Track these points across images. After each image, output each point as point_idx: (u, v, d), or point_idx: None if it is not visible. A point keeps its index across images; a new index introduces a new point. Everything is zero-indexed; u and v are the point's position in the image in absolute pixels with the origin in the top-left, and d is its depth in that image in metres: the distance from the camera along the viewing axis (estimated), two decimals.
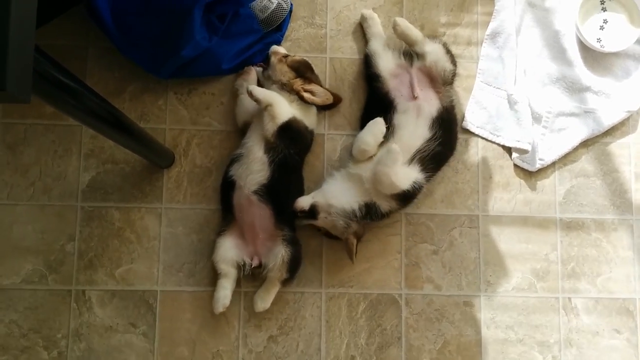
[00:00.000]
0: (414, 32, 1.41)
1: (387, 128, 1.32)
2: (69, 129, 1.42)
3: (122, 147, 1.28)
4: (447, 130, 1.37)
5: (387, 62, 1.41)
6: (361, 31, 1.51)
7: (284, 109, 1.31)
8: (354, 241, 1.32)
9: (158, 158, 1.38)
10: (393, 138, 1.32)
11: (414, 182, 1.29)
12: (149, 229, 1.40)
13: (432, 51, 1.39)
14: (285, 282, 1.35)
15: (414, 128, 1.33)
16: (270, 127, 1.30)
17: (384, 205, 1.31)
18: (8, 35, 0.64)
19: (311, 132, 1.40)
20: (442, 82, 1.39)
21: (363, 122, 1.39)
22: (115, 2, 1.26)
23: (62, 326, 1.36)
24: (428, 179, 1.34)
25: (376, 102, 1.41)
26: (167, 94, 1.45)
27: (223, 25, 1.34)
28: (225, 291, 1.32)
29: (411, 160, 1.31)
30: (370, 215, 1.31)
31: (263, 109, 1.30)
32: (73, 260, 1.38)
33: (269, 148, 1.32)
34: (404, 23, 1.41)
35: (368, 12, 1.48)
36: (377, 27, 1.47)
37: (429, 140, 1.33)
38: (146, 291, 1.38)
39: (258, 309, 1.34)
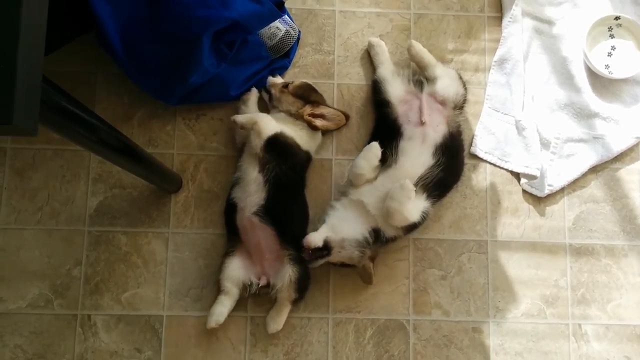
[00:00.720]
0: (428, 55, 1.43)
1: (391, 154, 1.31)
2: (77, 153, 1.43)
3: (130, 173, 1.29)
4: (452, 157, 1.36)
5: (396, 89, 1.41)
6: (368, 58, 1.52)
7: (270, 124, 1.32)
8: (371, 265, 1.31)
9: (166, 183, 1.39)
10: (396, 164, 1.32)
11: (423, 212, 1.29)
12: (156, 254, 1.40)
13: (445, 74, 1.41)
14: (295, 302, 1.34)
15: (418, 154, 1.32)
16: (258, 143, 1.30)
17: (389, 231, 1.31)
18: (16, 68, 0.64)
19: (306, 153, 1.39)
20: (452, 106, 1.39)
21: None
22: (125, 29, 1.28)
23: (67, 351, 1.35)
24: (433, 204, 1.34)
25: (384, 128, 1.41)
26: (175, 119, 1.46)
27: (231, 52, 1.35)
28: (222, 308, 1.31)
29: (415, 187, 1.28)
30: (378, 240, 1.31)
31: (250, 129, 1.31)
32: (79, 285, 1.38)
33: (262, 166, 1.32)
34: (418, 46, 1.43)
35: (375, 40, 1.49)
36: (385, 55, 1.47)
37: (432, 167, 1.32)
38: (152, 316, 1.37)
39: (270, 331, 1.34)
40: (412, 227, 1.32)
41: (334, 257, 1.31)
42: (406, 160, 1.32)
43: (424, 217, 1.31)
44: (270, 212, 1.31)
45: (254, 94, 1.44)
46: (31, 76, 0.68)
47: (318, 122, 1.38)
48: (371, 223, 1.30)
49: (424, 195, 1.31)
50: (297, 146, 1.36)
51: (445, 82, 1.39)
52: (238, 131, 1.42)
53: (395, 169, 1.31)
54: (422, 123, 1.35)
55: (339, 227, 1.30)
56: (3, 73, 0.63)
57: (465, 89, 1.45)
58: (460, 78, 1.44)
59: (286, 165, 1.33)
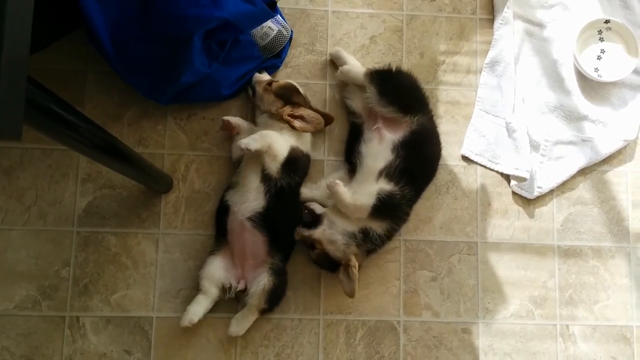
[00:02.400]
0: (356, 70, 1.42)
1: (357, 158, 1.35)
2: (66, 153, 1.41)
3: (120, 174, 1.27)
4: (415, 149, 1.33)
5: (360, 100, 1.41)
6: (361, 59, 1.51)
7: (282, 144, 1.31)
8: (356, 264, 1.28)
9: (156, 183, 1.37)
10: (361, 165, 1.34)
11: (379, 193, 1.28)
12: (146, 255, 1.39)
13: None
14: (263, 312, 1.32)
15: (377, 153, 1.33)
16: (274, 166, 1.30)
17: (376, 227, 1.31)
18: (0, 71, 0.62)
19: (307, 156, 1.40)
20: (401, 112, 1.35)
21: (345, 153, 1.43)
22: (115, 28, 1.26)
23: (55, 353, 1.33)
24: (404, 188, 1.31)
25: (353, 133, 1.42)
26: (166, 119, 1.45)
27: (223, 52, 1.34)
28: (198, 307, 1.29)
29: (377, 178, 1.31)
30: (370, 239, 1.31)
31: (264, 152, 1.29)
32: (67, 286, 1.36)
33: (266, 178, 1.31)
34: (345, 69, 1.43)
35: (336, 50, 1.47)
36: (352, 63, 1.45)
37: (392, 160, 1.31)
38: (141, 317, 1.36)
39: (231, 333, 1.31)
40: (385, 213, 1.30)
41: (319, 233, 1.30)
42: (368, 159, 1.34)
43: (390, 197, 1.29)
44: (265, 219, 1.30)
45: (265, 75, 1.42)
46: (16, 79, 0.66)
47: (297, 124, 1.36)
48: (359, 224, 1.31)
49: (385, 181, 1.30)
50: (303, 154, 1.36)
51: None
52: (235, 148, 1.39)
53: (360, 168, 1.34)
54: (377, 129, 1.36)
55: (335, 214, 1.32)
56: None
57: (393, 104, 1.36)
58: (385, 96, 1.35)
59: (296, 177, 1.33)
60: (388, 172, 1.31)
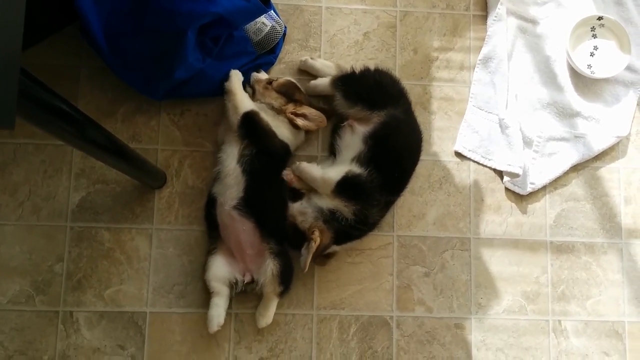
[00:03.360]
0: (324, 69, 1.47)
1: (337, 149, 1.40)
2: (60, 148, 1.41)
3: (113, 168, 1.27)
4: (386, 139, 1.35)
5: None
6: (354, 55, 1.52)
7: (246, 100, 1.35)
8: (317, 239, 1.29)
9: (149, 179, 1.37)
10: (338, 155, 1.39)
11: (347, 173, 1.31)
12: (139, 250, 1.39)
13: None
14: (282, 294, 1.34)
15: (349, 144, 1.37)
16: (234, 119, 1.33)
17: (343, 209, 1.31)
18: None
19: (282, 143, 1.38)
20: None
21: (329, 148, 1.46)
22: (109, 23, 1.26)
23: (48, 348, 1.34)
24: (372, 173, 1.31)
25: (334, 129, 1.44)
26: (159, 114, 1.45)
27: (217, 47, 1.34)
28: (219, 309, 1.31)
29: (350, 163, 1.34)
30: (338, 220, 1.31)
31: (226, 99, 1.34)
32: (61, 281, 1.36)
33: (240, 156, 1.32)
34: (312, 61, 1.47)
35: (304, 61, 1.48)
36: (324, 69, 1.47)
37: (363, 149, 1.34)
38: (135, 312, 1.37)
39: (261, 325, 1.34)
40: (350, 192, 1.31)
41: (296, 207, 1.34)
42: (343, 150, 1.38)
43: (356, 177, 1.31)
44: (249, 203, 1.31)
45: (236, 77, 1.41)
46: (9, 68, 0.66)
47: (299, 122, 1.37)
48: (330, 202, 1.33)
49: (356, 165, 1.33)
50: (273, 132, 1.36)
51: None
52: (220, 129, 1.41)
53: (337, 158, 1.39)
54: (349, 124, 1.39)
55: (311, 195, 1.36)
56: None
57: (348, 99, 1.40)
58: (340, 90, 1.40)
59: (259, 146, 1.32)
60: (359, 159, 1.34)
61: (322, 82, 1.45)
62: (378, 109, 1.36)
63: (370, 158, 1.33)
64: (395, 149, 1.37)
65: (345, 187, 1.31)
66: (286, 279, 1.32)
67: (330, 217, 1.31)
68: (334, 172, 1.33)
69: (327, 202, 1.33)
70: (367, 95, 1.38)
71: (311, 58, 1.48)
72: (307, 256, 1.28)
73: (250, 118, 1.33)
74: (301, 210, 1.33)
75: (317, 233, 1.29)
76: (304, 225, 1.32)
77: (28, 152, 1.40)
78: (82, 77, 1.44)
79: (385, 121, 1.35)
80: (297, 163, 1.37)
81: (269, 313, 1.35)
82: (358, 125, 1.37)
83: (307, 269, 1.29)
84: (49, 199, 1.39)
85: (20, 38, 0.68)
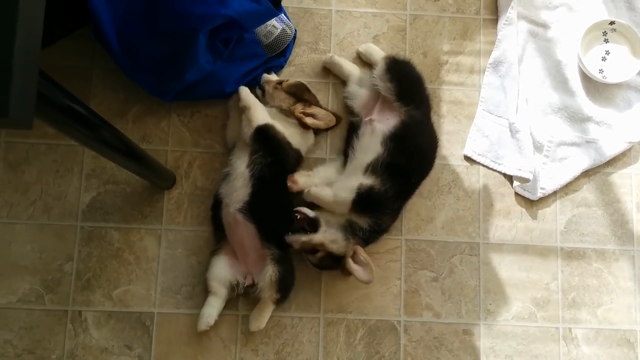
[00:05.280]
0: (348, 67, 1.48)
1: (351, 151, 1.37)
2: (71, 148, 1.43)
3: (124, 169, 1.28)
4: (405, 142, 1.34)
5: (359, 99, 1.43)
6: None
7: (262, 113, 1.34)
8: (363, 251, 1.29)
9: (159, 179, 1.38)
10: (352, 159, 1.36)
11: (360, 187, 1.29)
12: (148, 250, 1.40)
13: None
14: (278, 302, 1.33)
15: (367, 146, 1.35)
16: (247, 131, 1.32)
17: (360, 221, 1.31)
18: (13, 61, 0.64)
19: (296, 151, 1.38)
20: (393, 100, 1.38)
21: (344, 150, 1.43)
22: (122, 25, 1.27)
23: (57, 347, 1.34)
24: (386, 182, 1.30)
25: (350, 131, 1.42)
26: (170, 116, 1.46)
27: (227, 50, 1.35)
28: (211, 309, 1.31)
29: (364, 172, 1.32)
30: (357, 232, 1.31)
31: (242, 112, 1.33)
32: (70, 281, 1.37)
33: (251, 162, 1.32)
34: (336, 58, 1.48)
35: (330, 57, 1.48)
36: (348, 67, 1.48)
37: (381, 154, 1.32)
38: (143, 313, 1.37)
39: (252, 329, 1.33)
40: (366, 206, 1.30)
41: (320, 236, 1.30)
42: (359, 153, 1.36)
43: (370, 190, 1.29)
44: (252, 208, 1.31)
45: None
46: (28, 69, 0.67)
47: (308, 120, 1.38)
48: (345, 217, 1.32)
49: (368, 175, 1.31)
50: (288, 143, 1.35)
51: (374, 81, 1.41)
52: (229, 131, 1.42)
53: (351, 162, 1.36)
54: (370, 120, 1.38)
55: (326, 213, 1.34)
56: (0, 66, 0.63)
57: (395, 82, 1.38)
58: (389, 72, 1.39)
59: (272, 158, 1.32)
60: (375, 166, 1.32)
61: (376, 52, 1.48)
62: (404, 101, 1.36)
63: (387, 165, 1.31)
64: (416, 152, 1.37)
65: (361, 204, 1.29)
66: (284, 286, 1.31)
67: (353, 229, 1.30)
68: (345, 189, 1.30)
69: (342, 217, 1.32)
70: (405, 81, 1.38)
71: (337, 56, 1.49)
72: (369, 268, 1.28)
73: (264, 131, 1.32)
74: (332, 239, 1.30)
75: (360, 248, 1.30)
76: (341, 251, 1.30)
77: (40, 152, 1.42)
78: (94, 78, 1.46)
79: (405, 120, 1.35)
80: (306, 190, 1.33)
81: (262, 318, 1.34)
82: (378, 123, 1.36)
83: (374, 277, 1.29)
84: (60, 198, 1.41)
85: (39, 41, 0.70)
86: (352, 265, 1.30)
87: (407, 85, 1.38)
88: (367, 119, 1.38)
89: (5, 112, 0.64)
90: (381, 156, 1.31)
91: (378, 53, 1.48)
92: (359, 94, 1.44)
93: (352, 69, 1.48)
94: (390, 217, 1.37)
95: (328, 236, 1.30)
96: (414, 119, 1.36)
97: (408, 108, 1.36)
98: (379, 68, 1.39)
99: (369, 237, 1.33)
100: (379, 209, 1.32)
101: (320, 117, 1.40)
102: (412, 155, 1.35)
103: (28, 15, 0.66)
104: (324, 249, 1.30)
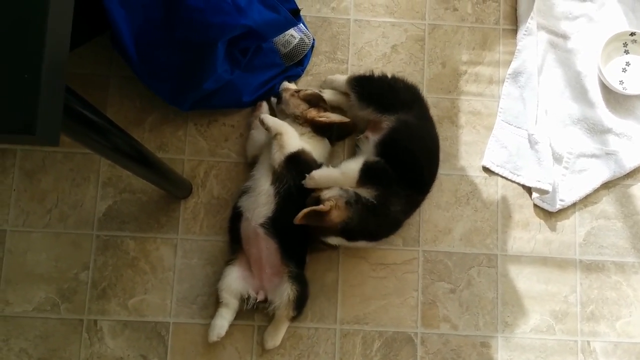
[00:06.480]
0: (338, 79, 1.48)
1: None
2: (88, 157, 1.42)
3: (141, 178, 1.28)
4: (397, 144, 1.34)
5: (358, 119, 1.44)
6: (382, 67, 1.51)
7: (294, 139, 1.32)
8: (328, 207, 1.25)
9: (175, 189, 1.38)
10: None
11: (367, 159, 1.31)
12: (164, 260, 1.39)
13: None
14: (294, 319, 1.34)
15: (363, 152, 1.36)
16: (278, 157, 1.30)
17: (365, 193, 1.29)
18: (40, 79, 0.64)
19: (320, 166, 1.37)
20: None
21: None
22: (140, 34, 1.27)
23: (72, 356, 1.34)
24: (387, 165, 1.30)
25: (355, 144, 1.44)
26: (186, 125, 1.46)
27: (245, 59, 1.35)
28: (222, 321, 1.30)
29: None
30: (362, 203, 1.28)
31: (272, 137, 1.31)
32: (86, 290, 1.37)
33: (276, 179, 1.31)
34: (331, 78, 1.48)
35: (330, 79, 1.48)
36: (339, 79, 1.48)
37: (374, 153, 1.34)
38: (158, 323, 1.36)
39: (268, 347, 1.34)
40: (371, 178, 1.30)
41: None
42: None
43: (372, 162, 1.31)
44: (276, 225, 1.30)
45: (265, 106, 1.44)
46: (55, 86, 0.67)
47: (322, 118, 1.38)
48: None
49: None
50: (315, 162, 1.35)
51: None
52: (250, 145, 1.42)
53: None
54: (365, 136, 1.39)
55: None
56: (28, 84, 0.62)
57: (357, 95, 1.40)
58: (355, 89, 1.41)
59: (300, 178, 1.31)
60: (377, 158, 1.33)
61: (339, 78, 1.46)
62: (389, 113, 1.35)
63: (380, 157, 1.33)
64: (406, 150, 1.35)
65: (369, 173, 1.29)
66: (301, 304, 1.31)
67: (354, 199, 1.27)
68: (352, 163, 1.32)
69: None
70: (379, 98, 1.38)
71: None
72: (306, 210, 1.24)
73: (297, 157, 1.31)
74: (331, 191, 1.29)
75: (331, 202, 1.26)
76: (325, 197, 1.28)
77: (57, 161, 1.42)
78: (112, 86, 1.46)
79: (395, 127, 1.34)
80: (308, 176, 1.29)
81: (278, 335, 1.34)
82: (371, 134, 1.37)
83: (298, 220, 1.24)
84: (76, 207, 1.40)
85: (66, 58, 0.69)
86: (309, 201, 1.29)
87: (385, 100, 1.38)
88: (362, 135, 1.39)
89: (32, 129, 0.63)
90: (373, 155, 1.33)
91: (340, 78, 1.47)
92: (357, 115, 1.43)
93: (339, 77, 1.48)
94: (398, 204, 1.32)
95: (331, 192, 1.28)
96: (405, 123, 1.35)
97: (396, 116, 1.35)
98: (353, 98, 1.40)
99: (371, 214, 1.28)
100: (383, 181, 1.30)
101: (333, 117, 1.40)
102: (405, 151, 1.35)
103: (56, 32, 0.66)
104: (318, 192, 1.29)
